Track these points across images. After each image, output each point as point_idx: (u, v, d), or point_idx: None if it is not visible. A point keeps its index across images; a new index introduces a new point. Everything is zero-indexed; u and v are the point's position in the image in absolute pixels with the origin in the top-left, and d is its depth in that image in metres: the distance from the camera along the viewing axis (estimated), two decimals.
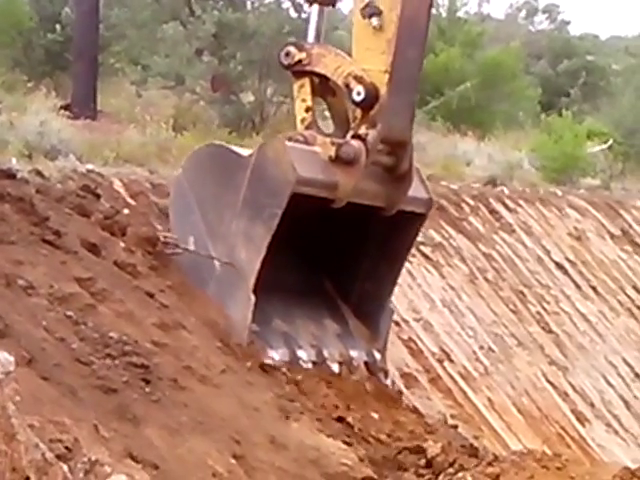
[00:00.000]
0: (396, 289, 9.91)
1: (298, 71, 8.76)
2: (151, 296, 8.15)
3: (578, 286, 12.39)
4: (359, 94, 8.26)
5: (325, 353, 8.73)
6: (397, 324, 9.82)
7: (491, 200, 12.97)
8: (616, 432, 10.73)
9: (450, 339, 10.29)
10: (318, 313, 9.03)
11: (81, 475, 5.53)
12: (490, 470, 7.62)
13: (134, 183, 9.56)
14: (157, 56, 17.10)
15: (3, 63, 14.94)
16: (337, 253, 8.90)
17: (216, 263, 8.46)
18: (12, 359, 5.20)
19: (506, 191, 13.56)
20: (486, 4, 25.99)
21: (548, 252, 12.60)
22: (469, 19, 22.53)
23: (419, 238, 11.18)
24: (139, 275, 8.34)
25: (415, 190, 8.65)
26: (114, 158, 10.54)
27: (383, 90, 8.26)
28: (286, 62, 8.79)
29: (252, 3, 18.06)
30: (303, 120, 8.66)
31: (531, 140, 17.69)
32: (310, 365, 8.60)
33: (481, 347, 10.50)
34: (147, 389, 6.78)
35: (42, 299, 7.11)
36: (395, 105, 8.36)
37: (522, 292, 11.65)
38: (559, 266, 12.50)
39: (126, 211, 9.06)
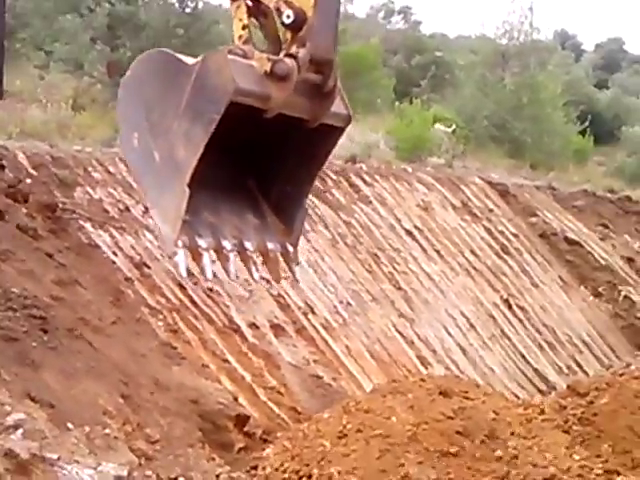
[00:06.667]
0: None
1: None
2: (50, 256, 8.06)
3: (424, 250, 12.59)
4: (289, 17, 8.04)
5: (246, 244, 8.64)
6: (268, 281, 9.87)
7: (351, 175, 13.07)
8: (455, 375, 10.97)
9: (314, 294, 10.38)
10: (242, 209, 8.89)
11: None
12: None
13: (36, 156, 9.38)
14: (58, 43, 16.84)
15: None
16: (263, 157, 8.74)
17: (156, 156, 8.19)
18: None
19: (364, 167, 13.67)
20: (350, 5, 26.01)
21: (399, 220, 12.77)
22: None
23: None
24: (39, 237, 8.23)
25: (336, 107, 8.47)
26: (18, 133, 10.34)
27: (310, 13, 8.03)
28: None
29: None
30: (240, 37, 8.40)
31: (387, 124, 17.85)
32: (232, 256, 8.52)
33: (340, 302, 10.61)
34: (45, 338, 6.72)
35: None
36: (320, 27, 8.13)
37: (376, 254, 11.80)
38: (408, 232, 12.69)
39: (28, 181, 8.89)
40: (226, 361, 8.56)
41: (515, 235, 14.27)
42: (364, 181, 13.09)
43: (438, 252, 12.72)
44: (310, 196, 11.93)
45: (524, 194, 15.49)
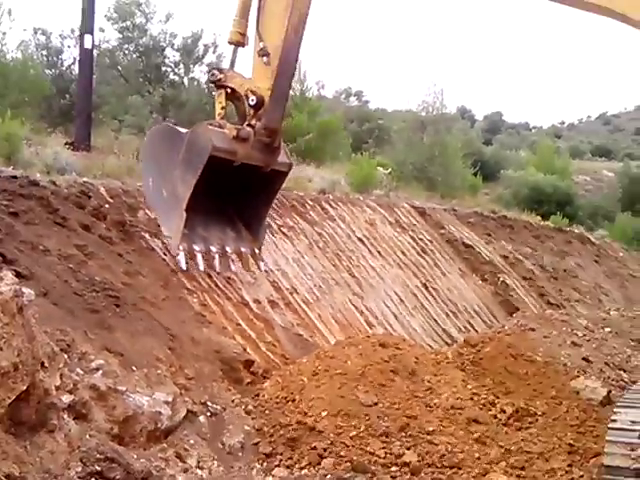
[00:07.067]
0: (266, 253, 9.98)
1: (218, 85, 8.59)
2: (121, 255, 8.06)
3: (370, 251, 12.60)
4: (253, 101, 8.23)
5: (226, 248, 8.77)
6: (267, 272, 9.85)
7: (322, 202, 13.07)
8: (390, 333, 10.99)
9: (297, 280, 10.36)
10: (224, 226, 8.95)
11: (76, 360, 5.43)
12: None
13: (112, 189, 9.34)
14: (127, 115, 16.76)
15: (33, 116, 14.31)
16: (236, 192, 8.78)
17: (164, 192, 8.31)
18: (33, 292, 5.06)
19: (331, 197, 13.66)
20: (322, 90, 25.98)
21: (354, 231, 12.77)
22: (312, 97, 22.42)
23: (280, 222, 11.30)
24: (114, 243, 8.22)
25: (282, 158, 8.66)
26: (100, 174, 10.28)
27: (267, 99, 8.23)
28: (212, 79, 8.64)
29: (184, 85, 17.79)
30: (219, 114, 8.52)
31: (345, 168, 17.80)
32: (217, 256, 8.67)
33: (315, 285, 10.61)
34: (117, 310, 6.71)
35: (54, 257, 6.96)
36: (272, 108, 8.29)
37: (338, 254, 11.80)
38: (360, 239, 12.69)
39: (107, 205, 8.85)
40: (239, 325, 8.54)
41: (430, 241, 14.31)
42: (331, 206, 13.10)
43: (379, 252, 12.73)
44: (295, 216, 12.01)
45: (436, 214, 15.54)
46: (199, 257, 8.51)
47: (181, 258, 8.41)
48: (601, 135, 70.40)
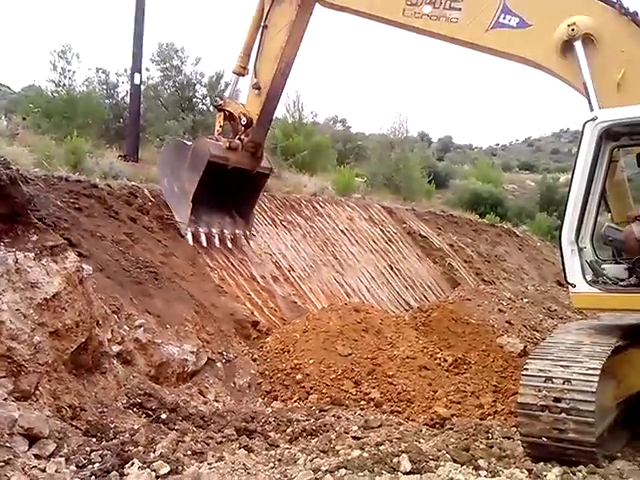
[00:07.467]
0: (270, 240, 9.94)
1: (219, 109, 8.69)
2: (159, 241, 8.01)
3: (350, 240, 12.56)
4: (244, 121, 8.35)
5: (224, 231, 8.88)
6: (270, 255, 9.82)
7: (314, 202, 13.02)
8: (363, 302, 10.97)
9: (294, 262, 10.35)
10: (223, 214, 9.03)
11: (123, 320, 5.43)
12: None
13: (153, 190, 9.26)
14: (167, 135, 16.59)
15: (94, 135, 14.17)
16: (230, 189, 8.85)
17: (175, 189, 8.41)
18: (91, 268, 5.05)
19: (320, 198, 13.62)
20: (315, 117, 25.64)
21: (337, 225, 12.73)
22: (308, 123, 22.18)
23: (281, 217, 11.25)
24: (154, 231, 8.18)
25: (264, 163, 8.83)
26: (145, 180, 10.20)
27: (255, 120, 8.33)
28: (215, 104, 8.80)
29: (210, 112, 17.62)
30: (217, 131, 8.65)
31: (332, 177, 17.70)
32: (217, 236, 8.71)
33: (307, 265, 10.58)
34: (156, 282, 6.70)
35: (108, 242, 6.93)
36: (258, 128, 8.41)
37: (325, 242, 11.76)
38: (342, 231, 12.64)
39: (150, 203, 8.80)
40: (249, 294, 8.53)
41: (395, 233, 14.27)
42: (320, 205, 13.05)
43: (356, 241, 12.70)
44: (294, 213, 11.96)
45: (400, 212, 15.48)
46: (203, 237, 8.62)
47: (189, 237, 8.47)
48: (526, 154, 70.44)
